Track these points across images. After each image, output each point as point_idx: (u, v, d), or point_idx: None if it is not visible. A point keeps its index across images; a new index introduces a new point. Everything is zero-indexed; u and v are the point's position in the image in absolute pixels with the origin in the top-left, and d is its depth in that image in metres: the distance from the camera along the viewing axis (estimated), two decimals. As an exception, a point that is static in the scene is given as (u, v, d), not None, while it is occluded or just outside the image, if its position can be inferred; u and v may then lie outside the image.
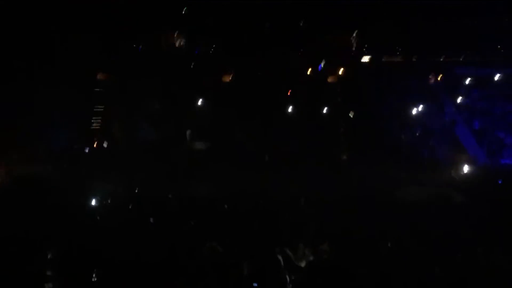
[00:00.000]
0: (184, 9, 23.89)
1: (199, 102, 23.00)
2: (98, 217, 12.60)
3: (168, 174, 17.93)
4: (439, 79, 23.73)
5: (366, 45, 26.38)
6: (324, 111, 23.93)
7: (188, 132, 21.79)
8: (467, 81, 23.39)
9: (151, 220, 11.26)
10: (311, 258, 9.38)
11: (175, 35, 25.25)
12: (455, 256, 9.18)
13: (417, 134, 21.82)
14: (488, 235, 10.17)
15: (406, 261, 9.07)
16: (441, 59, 23.67)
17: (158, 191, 15.45)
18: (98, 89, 22.87)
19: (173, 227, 10.64)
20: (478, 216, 11.95)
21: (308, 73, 26.32)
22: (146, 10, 22.16)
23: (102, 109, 22.75)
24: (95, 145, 21.18)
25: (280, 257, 9.11)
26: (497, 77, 22.84)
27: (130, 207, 13.51)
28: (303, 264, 9.29)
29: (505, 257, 9.00)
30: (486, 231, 10.48)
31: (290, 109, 23.46)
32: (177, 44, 25.39)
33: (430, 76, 24.10)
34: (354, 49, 26.89)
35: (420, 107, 22.49)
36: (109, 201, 14.28)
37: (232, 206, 13.36)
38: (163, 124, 21.68)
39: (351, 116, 23.14)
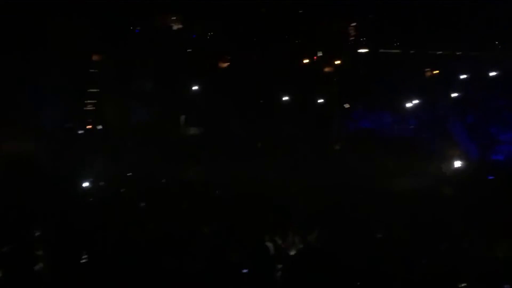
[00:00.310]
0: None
1: (194, 87, 22.93)
2: (90, 199, 12.61)
3: (161, 159, 17.92)
4: (434, 72, 23.76)
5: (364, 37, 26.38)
6: (320, 100, 23.93)
7: (182, 117, 21.75)
8: (462, 76, 23.46)
9: (142, 204, 11.26)
10: (301, 245, 9.45)
11: (173, 18, 25.09)
12: (442, 246, 9.28)
13: (411, 126, 21.90)
14: (475, 228, 10.29)
15: (395, 250, 9.15)
16: (437, 53, 23.67)
17: (150, 175, 15.44)
18: (93, 71, 22.72)
19: (164, 211, 10.66)
20: (466, 209, 12.06)
21: (305, 62, 26.32)
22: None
23: (97, 91, 22.63)
24: (88, 127, 21.11)
25: (269, 244, 9.16)
26: (492, 72, 22.92)
27: (122, 190, 13.52)
28: (292, 252, 9.36)
29: (490, 249, 9.14)
30: (474, 224, 10.59)
31: (285, 97, 23.45)
32: (174, 28, 25.24)
33: (425, 70, 24.14)
34: (352, 39, 26.89)
35: (415, 100, 22.55)
36: (101, 184, 14.26)
37: (223, 192, 13.39)
38: (158, 107, 21.61)
39: (346, 107, 23.18)
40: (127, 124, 20.78)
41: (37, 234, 8.91)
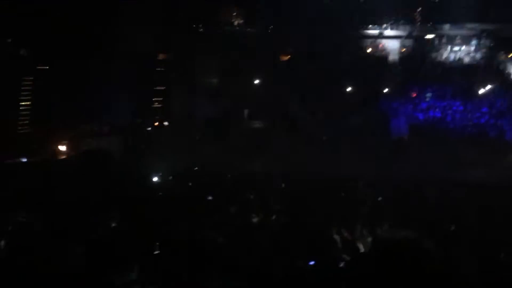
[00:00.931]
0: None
1: (257, 81, 23.10)
2: (159, 193, 13.05)
3: (226, 152, 18.23)
4: (509, 56, 22.37)
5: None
6: (385, 90, 23.31)
7: (246, 111, 21.99)
8: None
9: (210, 197, 11.49)
10: (369, 239, 9.26)
11: (234, 14, 25.34)
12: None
13: (483, 114, 20.79)
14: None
15: (468, 246, 8.74)
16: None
17: (216, 169, 15.76)
18: (159, 69, 23.49)
19: (231, 204, 10.82)
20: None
21: (369, 51, 25.67)
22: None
23: (163, 88, 23.39)
24: (156, 123, 21.90)
25: (337, 237, 9.05)
26: None
27: (190, 184, 13.89)
28: (361, 245, 9.20)
29: None
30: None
31: (348, 88, 23.05)
32: (235, 23, 25.49)
33: (500, 52, 22.78)
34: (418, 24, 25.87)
35: (487, 86, 21.37)
36: (170, 178, 14.74)
37: (289, 185, 13.39)
38: (222, 103, 21.98)
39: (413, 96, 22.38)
40: (192, 119, 21.34)
41: (109, 227, 9.32)
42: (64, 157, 17.79)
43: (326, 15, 23.03)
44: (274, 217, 10.15)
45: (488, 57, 23.45)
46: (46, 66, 19.94)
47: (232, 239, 9.13)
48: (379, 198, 12.50)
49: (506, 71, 22.29)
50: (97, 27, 19.82)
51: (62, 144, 18.29)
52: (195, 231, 9.36)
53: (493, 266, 8.04)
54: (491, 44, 23.63)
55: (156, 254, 8.40)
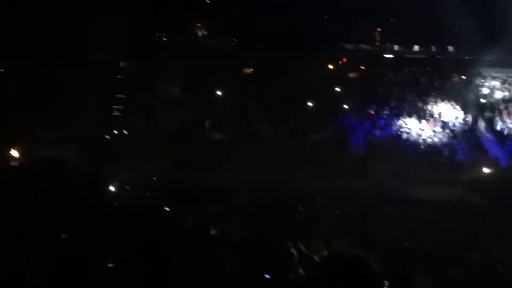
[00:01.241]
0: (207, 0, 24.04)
1: (219, 92, 23.12)
2: (116, 203, 12.78)
3: (186, 163, 18.07)
4: (463, 77, 23.36)
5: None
6: (347, 106, 23.81)
7: (207, 122, 21.91)
8: (492, 81, 23.03)
9: (167, 208, 11.36)
10: (325, 252, 9.36)
11: (198, 26, 25.37)
12: (472, 256, 9.06)
13: (439, 133, 21.54)
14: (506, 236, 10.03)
15: (422, 260, 8.98)
16: (468, 57, 23.26)
17: (175, 179, 15.59)
18: (120, 77, 23.13)
19: (189, 215, 10.73)
20: (496, 217, 11.79)
21: (330, 67, 26.24)
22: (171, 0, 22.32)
23: (124, 97, 23.02)
24: (115, 132, 21.47)
25: (293, 251, 9.10)
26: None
27: (147, 194, 13.69)
28: (317, 258, 9.28)
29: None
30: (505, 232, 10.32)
31: (310, 102, 23.43)
32: (200, 34, 25.51)
33: (454, 74, 23.75)
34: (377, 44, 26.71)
35: (441, 105, 22.23)
36: (127, 187, 14.46)
37: (247, 198, 13.40)
38: (183, 113, 21.82)
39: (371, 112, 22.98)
40: (152, 129, 21.04)
41: (63, 236, 9.05)
42: (19, 164, 17.17)
43: (291, 31, 23.41)
44: (233, 229, 10.13)
45: (442, 78, 24.40)
46: (1, 69, 19.27)
47: (190, 251, 9.05)
48: (337, 213, 12.71)
49: (459, 92, 23.21)
50: (58, 34, 19.39)
51: (18, 151, 17.65)
52: (153, 242, 9.24)
53: (443, 282, 8.33)
54: (446, 66, 24.64)
55: (112, 266, 8.21)
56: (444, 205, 13.81)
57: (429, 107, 22.76)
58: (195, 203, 12.52)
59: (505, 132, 20.66)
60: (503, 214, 12.73)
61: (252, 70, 25.99)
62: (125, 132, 21.66)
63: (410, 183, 16.99)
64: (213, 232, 10.00)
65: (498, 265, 8.82)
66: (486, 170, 18.20)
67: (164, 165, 17.48)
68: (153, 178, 15.97)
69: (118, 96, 22.91)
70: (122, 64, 23.45)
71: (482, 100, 23.01)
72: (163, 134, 20.58)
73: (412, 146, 20.95)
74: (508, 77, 23.38)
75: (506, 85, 23.39)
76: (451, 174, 18.33)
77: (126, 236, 9.37)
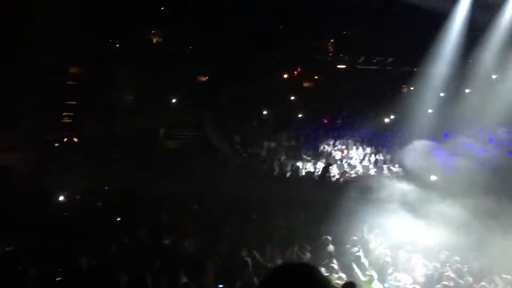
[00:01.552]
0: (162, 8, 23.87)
1: (174, 100, 22.90)
2: (65, 213, 12.38)
3: (139, 172, 17.75)
4: (411, 88, 24.20)
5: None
6: (300, 115, 24.15)
7: (162, 130, 21.62)
8: (437, 92, 24.01)
9: (118, 218, 11.11)
10: (280, 260, 9.41)
11: (153, 32, 25.10)
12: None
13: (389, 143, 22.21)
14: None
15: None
16: (413, 70, 24.12)
17: (128, 189, 15.25)
18: (70, 83, 22.46)
19: (142, 225, 10.53)
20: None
21: (285, 77, 26.57)
22: (124, 6, 21.94)
23: (74, 103, 22.36)
24: (65, 139, 20.80)
25: (248, 259, 9.11)
26: (466, 89, 23.52)
27: (99, 204, 13.33)
28: (271, 266, 9.32)
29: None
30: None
31: (265, 111, 23.64)
32: (154, 41, 25.22)
33: (403, 86, 24.56)
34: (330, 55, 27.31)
35: (392, 115, 22.97)
36: (77, 197, 14.04)
37: (202, 206, 13.30)
38: (136, 121, 21.44)
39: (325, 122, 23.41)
40: (104, 137, 20.50)
41: (9, 248, 8.69)
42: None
43: (246, 40, 23.53)
44: (186, 239, 10.02)
45: (392, 89, 25.18)
46: None
47: (142, 261, 8.87)
48: (292, 221, 12.83)
49: (407, 103, 24.01)
50: (4, 40, 18.63)
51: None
52: (104, 253, 9.01)
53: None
54: (396, 77, 25.47)
55: (60, 280, 7.92)
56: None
57: (379, 117, 23.44)
58: (148, 212, 12.31)
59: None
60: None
61: (207, 78, 25.93)
62: (75, 140, 21.01)
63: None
64: (166, 242, 9.85)
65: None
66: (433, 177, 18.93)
67: (116, 173, 17.08)
68: (105, 187, 15.58)
69: (68, 103, 22.21)
70: (72, 70, 22.78)
71: (429, 110, 23.98)
72: (115, 142, 20.12)
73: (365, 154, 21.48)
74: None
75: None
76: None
77: (75, 247, 9.09)
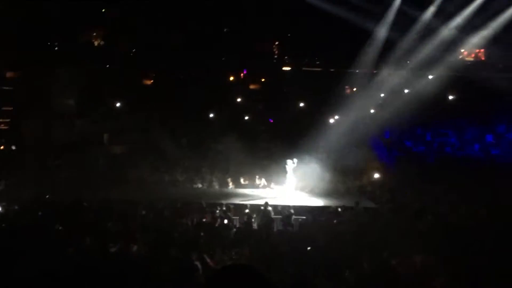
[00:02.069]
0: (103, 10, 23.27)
1: (118, 104, 22.35)
2: (3, 224, 11.77)
3: (83, 179, 17.21)
4: (354, 90, 24.88)
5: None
6: (246, 118, 24.25)
7: (106, 135, 21.04)
8: (379, 93, 24.88)
9: (59, 227, 10.67)
10: (229, 263, 9.41)
11: (94, 34, 24.40)
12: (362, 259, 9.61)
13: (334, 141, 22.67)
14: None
15: (324, 264, 9.36)
16: (356, 71, 24.83)
17: (71, 197, 14.73)
18: (6, 88, 21.42)
19: (87, 234, 10.18)
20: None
21: (231, 79, 26.61)
22: (63, 7, 21.18)
23: (10, 109, 21.35)
24: (1, 147, 19.82)
25: (197, 263, 9.05)
26: (406, 89, 24.50)
27: (39, 213, 12.76)
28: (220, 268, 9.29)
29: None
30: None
31: (211, 113, 23.58)
32: (96, 44, 24.51)
33: (346, 86, 25.20)
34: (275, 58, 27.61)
35: (336, 116, 23.54)
36: (16, 207, 13.39)
37: (149, 211, 13.06)
38: (79, 126, 20.76)
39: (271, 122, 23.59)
40: (44, 144, 19.68)
41: None
42: None
43: (191, 43, 23.36)
44: (135, 246, 9.79)
45: (335, 90, 25.80)
46: None
47: (88, 271, 8.59)
48: (241, 223, 12.85)
49: (351, 105, 24.70)
50: None
51: None
52: (47, 264, 8.63)
53: (341, 283, 8.77)
54: (339, 79, 26.13)
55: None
56: (339, 211, 14.55)
57: (323, 118, 23.96)
58: (93, 220, 11.92)
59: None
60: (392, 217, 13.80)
61: (152, 81, 25.53)
62: (13, 147, 20.05)
63: (311, 192, 17.73)
64: (113, 250, 9.58)
65: (389, 266, 9.48)
66: (376, 175, 19.60)
67: (59, 181, 16.48)
68: (46, 196, 14.96)
69: (4, 109, 21.17)
70: (9, 74, 21.72)
71: (372, 111, 24.82)
72: (56, 149, 19.40)
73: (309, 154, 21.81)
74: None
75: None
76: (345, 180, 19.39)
77: (16, 260, 8.66)
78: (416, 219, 13.17)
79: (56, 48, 23.23)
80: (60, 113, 20.90)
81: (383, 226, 12.73)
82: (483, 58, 24.93)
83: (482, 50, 24.75)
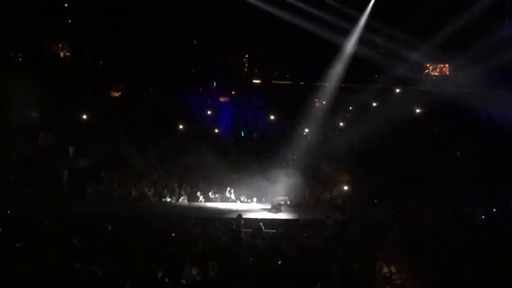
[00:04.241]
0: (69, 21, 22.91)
1: (84, 116, 21.81)
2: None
3: (46, 194, 16.68)
4: (323, 103, 25.08)
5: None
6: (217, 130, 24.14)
7: (71, 148, 20.44)
8: (348, 106, 25.25)
9: (19, 244, 10.21)
10: (198, 277, 9.22)
11: (60, 44, 23.87)
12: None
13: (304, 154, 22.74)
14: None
15: (295, 277, 9.29)
16: (325, 85, 25.08)
17: (34, 213, 14.22)
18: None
19: (47, 251, 9.79)
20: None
21: (201, 91, 26.46)
22: (29, 16, 20.67)
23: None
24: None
25: (165, 278, 8.82)
26: (374, 103, 24.95)
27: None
28: (189, 283, 9.10)
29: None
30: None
31: (180, 126, 23.36)
32: (61, 54, 23.97)
33: (315, 100, 25.38)
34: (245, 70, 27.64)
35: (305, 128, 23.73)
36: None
37: (115, 227, 12.71)
38: (44, 139, 20.13)
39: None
40: (5, 157, 18.95)
41: None
42: None
43: (159, 55, 23.15)
44: (99, 261, 9.48)
45: (305, 103, 25.96)
46: None
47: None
48: (211, 238, 12.65)
49: (320, 117, 24.91)
50: None
51: None
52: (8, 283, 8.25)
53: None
54: (308, 93, 26.33)
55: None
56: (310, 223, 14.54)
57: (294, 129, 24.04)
58: (56, 236, 11.50)
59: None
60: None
61: (120, 93, 25.10)
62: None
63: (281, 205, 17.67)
64: (77, 266, 9.23)
65: (358, 277, 9.48)
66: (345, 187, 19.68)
67: (20, 196, 15.92)
68: (7, 211, 14.39)
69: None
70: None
71: (341, 124, 25.13)
72: (19, 162, 18.75)
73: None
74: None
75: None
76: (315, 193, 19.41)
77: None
78: (384, 231, 13.30)
79: (19, 59, 22.58)
80: (22, 125, 20.22)
81: (352, 239, 12.78)
82: (447, 73, 25.59)
83: (447, 65, 25.42)
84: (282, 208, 17.03)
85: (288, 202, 17.75)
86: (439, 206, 16.63)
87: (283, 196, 17.71)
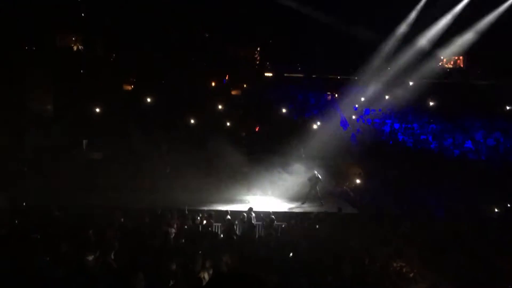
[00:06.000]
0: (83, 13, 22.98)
1: (98, 110, 21.99)
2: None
3: (61, 186, 16.87)
4: (335, 96, 25.04)
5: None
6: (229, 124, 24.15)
7: (85, 141, 20.65)
8: (361, 99, 25.10)
9: (36, 235, 10.40)
10: (211, 270, 9.28)
11: (73, 39, 24.05)
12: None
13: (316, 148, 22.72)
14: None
15: (306, 269, 9.30)
16: (337, 78, 25.04)
17: (49, 204, 14.41)
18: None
19: (63, 242, 9.94)
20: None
21: (213, 85, 26.51)
22: (42, 10, 20.83)
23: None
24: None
25: (179, 270, 8.90)
26: (386, 96, 24.75)
27: (16, 221, 12.44)
28: (202, 276, 9.16)
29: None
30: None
31: (192, 120, 23.38)
32: (74, 48, 24.15)
33: (327, 93, 25.36)
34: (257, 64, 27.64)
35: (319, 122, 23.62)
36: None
37: (128, 219, 12.83)
38: (57, 131, 20.33)
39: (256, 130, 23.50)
40: (20, 149, 19.20)
41: None
42: None
43: (172, 48, 23.23)
44: (113, 254, 9.59)
45: (316, 96, 25.94)
46: None
47: (65, 280, 8.37)
48: (219, 231, 12.72)
49: (332, 110, 24.86)
50: None
51: None
52: (23, 273, 8.39)
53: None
54: (321, 85, 26.30)
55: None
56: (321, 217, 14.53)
57: (306, 124, 23.99)
58: (70, 228, 11.66)
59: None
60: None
61: (132, 86, 25.24)
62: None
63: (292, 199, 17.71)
64: (90, 258, 9.36)
65: (369, 270, 9.48)
66: (358, 181, 19.66)
67: (35, 188, 16.11)
68: (23, 203, 14.62)
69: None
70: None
71: (353, 117, 25.00)
72: (32, 154, 18.98)
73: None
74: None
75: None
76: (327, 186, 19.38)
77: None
78: (396, 225, 13.29)
79: (33, 51, 22.80)
80: (36, 118, 20.45)
81: (364, 232, 12.77)
82: (462, 65, 25.36)
83: (461, 57, 25.19)
84: (294, 200, 17.05)
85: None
86: (452, 201, 16.55)
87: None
